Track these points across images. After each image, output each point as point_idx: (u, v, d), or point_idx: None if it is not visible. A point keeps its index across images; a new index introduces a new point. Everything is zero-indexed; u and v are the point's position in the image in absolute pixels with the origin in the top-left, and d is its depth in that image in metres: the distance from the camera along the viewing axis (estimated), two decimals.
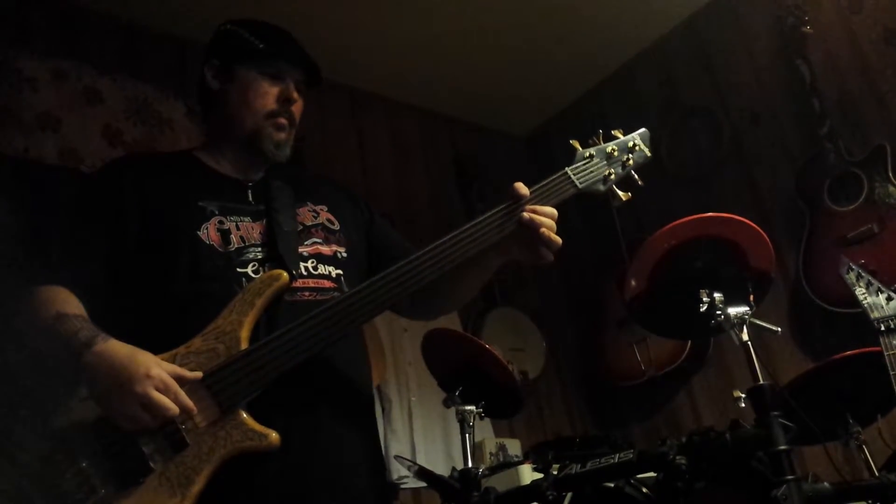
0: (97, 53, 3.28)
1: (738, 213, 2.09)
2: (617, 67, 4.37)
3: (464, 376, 2.47)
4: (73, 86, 3.14)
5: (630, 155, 1.73)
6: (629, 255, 3.78)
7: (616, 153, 1.72)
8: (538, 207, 1.60)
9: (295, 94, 1.76)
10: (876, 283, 2.15)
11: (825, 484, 1.79)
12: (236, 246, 1.62)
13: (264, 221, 1.68)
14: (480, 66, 4.17)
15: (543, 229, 1.58)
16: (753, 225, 2.06)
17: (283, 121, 1.74)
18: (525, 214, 1.58)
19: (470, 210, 4.13)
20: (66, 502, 1.38)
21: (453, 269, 1.69)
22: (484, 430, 3.64)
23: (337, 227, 1.79)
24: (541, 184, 1.64)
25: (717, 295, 1.95)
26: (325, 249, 1.72)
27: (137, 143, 3.20)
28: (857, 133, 3.38)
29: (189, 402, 1.40)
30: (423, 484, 2.67)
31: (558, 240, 1.59)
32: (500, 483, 2.50)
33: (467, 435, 2.43)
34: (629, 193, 1.71)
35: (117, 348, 1.43)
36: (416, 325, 3.31)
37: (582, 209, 4.07)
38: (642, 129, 1.79)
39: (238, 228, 1.65)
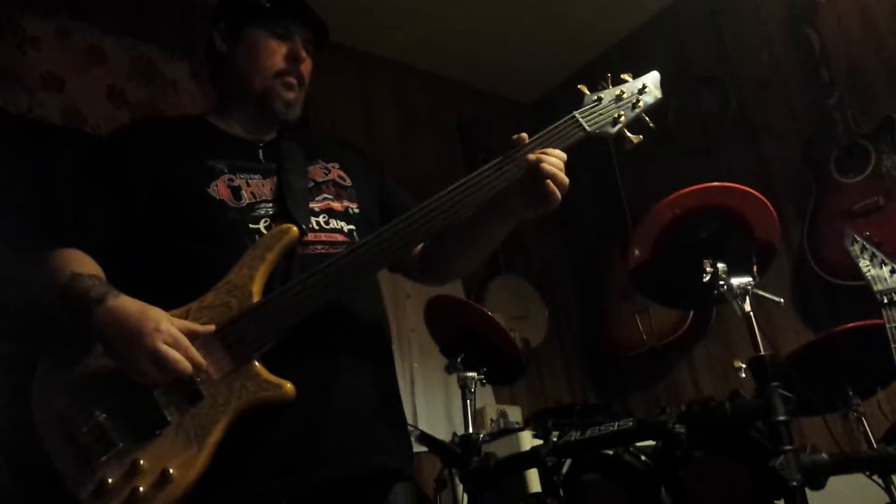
0: (101, 12, 3.24)
1: (744, 184, 2.08)
2: (626, 34, 4.33)
3: (466, 343, 2.47)
4: (77, 45, 3.11)
5: (640, 97, 1.69)
6: (633, 223, 3.77)
7: (626, 95, 1.68)
8: (546, 150, 1.57)
9: (303, 53, 1.75)
10: (880, 256, 2.14)
11: (823, 455, 1.80)
12: (247, 201, 1.63)
13: (275, 179, 1.69)
14: (488, 30, 4.12)
15: (546, 165, 1.54)
16: (759, 195, 2.05)
17: (292, 80, 1.74)
18: (530, 155, 1.56)
19: None
20: (83, 456, 1.41)
21: (462, 232, 1.71)
22: (485, 397, 3.66)
23: (349, 183, 1.79)
24: (547, 129, 1.62)
25: (720, 265, 1.95)
26: (337, 205, 1.72)
27: (141, 103, 3.18)
28: (865, 104, 3.35)
29: (198, 357, 1.41)
30: (424, 448, 2.69)
31: (565, 179, 1.56)
32: (500, 449, 2.52)
33: (468, 401, 2.44)
34: (640, 136, 1.67)
35: (128, 304, 1.44)
36: (420, 291, 3.31)
37: (587, 176, 4.05)
38: (653, 72, 1.74)
39: (248, 185, 1.65)
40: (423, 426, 3.24)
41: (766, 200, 2.05)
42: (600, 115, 1.66)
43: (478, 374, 2.47)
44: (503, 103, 4.74)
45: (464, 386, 2.45)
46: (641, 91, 1.70)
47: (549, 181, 1.54)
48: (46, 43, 3.03)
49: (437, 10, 3.95)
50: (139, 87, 3.22)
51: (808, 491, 1.73)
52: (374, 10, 3.84)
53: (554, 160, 1.56)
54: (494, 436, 2.78)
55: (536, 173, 1.54)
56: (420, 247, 1.80)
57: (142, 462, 1.39)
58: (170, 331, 1.40)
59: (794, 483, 1.70)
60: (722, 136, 3.87)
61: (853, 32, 3.47)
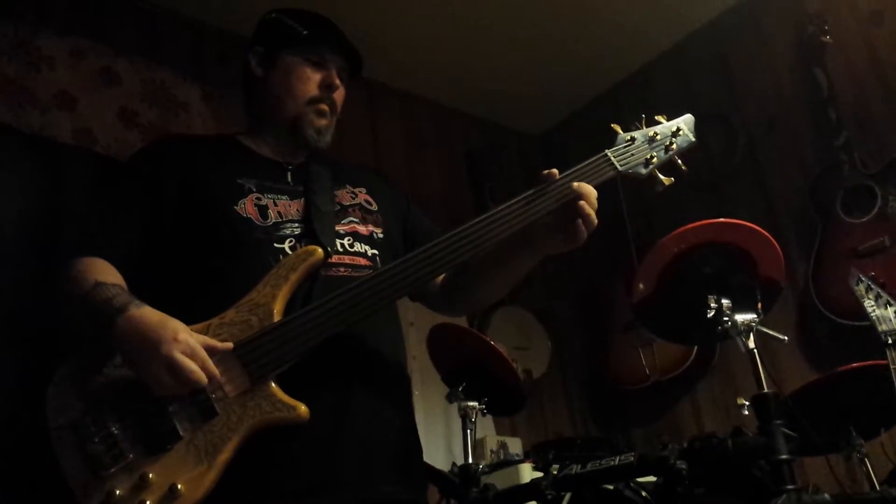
0: (115, 34, 3.28)
1: (749, 221, 2.09)
2: (634, 70, 4.35)
3: (468, 372, 2.47)
4: (90, 65, 3.14)
5: (674, 139, 1.70)
6: (639, 257, 3.77)
7: (659, 137, 1.69)
8: (582, 185, 1.58)
9: (337, 81, 1.79)
10: (885, 296, 2.14)
11: (825, 495, 1.78)
12: (274, 221, 1.64)
13: (302, 200, 1.70)
14: (497, 62, 4.15)
15: (586, 206, 1.55)
16: (764, 232, 2.06)
17: (324, 107, 1.77)
18: (574, 184, 1.57)
19: (482, 208, 4.11)
20: (93, 466, 1.41)
21: (487, 263, 1.72)
22: (485, 427, 3.64)
23: (375, 208, 1.81)
24: (578, 166, 1.63)
25: (724, 301, 1.95)
26: (362, 229, 1.74)
27: (152, 125, 3.20)
28: (872, 145, 3.36)
29: (214, 370, 1.42)
30: None
31: (595, 220, 1.57)
32: (499, 480, 2.51)
33: (469, 431, 2.43)
34: (672, 178, 1.68)
35: (149, 313, 1.45)
36: (422, 319, 3.30)
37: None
38: (687, 115, 1.75)
39: (276, 205, 1.67)
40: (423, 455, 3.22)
41: (771, 238, 2.05)
42: (632, 155, 1.68)
43: (479, 404, 2.46)
44: (510, 134, 4.76)
45: (464, 415, 2.45)
46: (675, 134, 1.71)
47: (580, 221, 1.56)
48: (60, 62, 3.06)
49: (446, 42, 3.98)
50: (151, 109, 3.24)
51: None
52: (384, 42, 3.87)
53: (593, 201, 1.58)
54: (494, 467, 2.77)
55: (572, 210, 1.55)
56: (443, 276, 1.80)
57: (151, 476, 1.39)
58: (188, 341, 1.41)
59: None
60: (728, 174, 3.88)
61: (861, 73, 3.49)
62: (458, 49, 4.04)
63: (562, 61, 4.18)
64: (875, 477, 2.25)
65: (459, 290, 1.83)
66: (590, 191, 1.59)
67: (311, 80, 1.76)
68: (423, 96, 4.39)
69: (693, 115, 1.77)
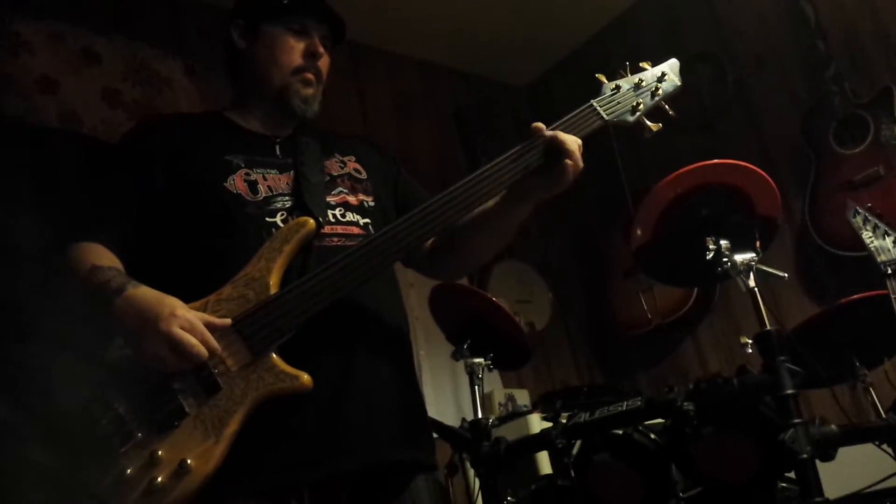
0: (93, 14, 3.24)
1: (743, 159, 2.08)
2: (619, 13, 4.29)
3: (471, 329, 2.48)
4: (70, 48, 3.11)
5: (659, 84, 1.70)
6: (634, 203, 3.77)
7: (644, 83, 1.69)
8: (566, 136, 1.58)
9: (321, 49, 1.77)
10: (882, 227, 2.14)
11: (832, 427, 1.80)
12: (264, 195, 1.64)
13: (291, 173, 1.70)
14: (479, 15, 4.10)
15: (569, 145, 1.55)
16: (759, 171, 2.05)
17: (309, 76, 1.77)
18: (548, 132, 1.57)
19: (474, 164, 4.10)
20: (102, 447, 1.43)
21: (478, 220, 1.71)
22: (492, 382, 3.67)
23: (364, 176, 1.81)
24: (565, 118, 1.62)
25: (723, 242, 1.95)
26: (352, 199, 1.74)
27: (137, 103, 3.18)
28: (863, 75, 3.34)
29: (215, 343, 1.43)
30: (435, 435, 2.70)
31: (580, 162, 1.58)
32: (509, 433, 2.53)
33: (476, 386, 2.45)
34: (660, 124, 1.68)
35: (146, 292, 1.47)
36: (423, 280, 3.31)
37: (585, 158, 4.04)
38: (672, 59, 1.75)
39: (265, 179, 1.67)
40: (432, 413, 3.22)
41: (766, 175, 2.05)
42: (618, 103, 1.67)
43: (484, 360, 2.47)
44: (498, 87, 4.72)
45: (471, 372, 2.46)
46: (660, 79, 1.71)
47: (567, 161, 1.55)
48: (39, 47, 3.03)
49: None
50: (134, 87, 3.21)
51: (818, 462, 1.74)
52: (365, 3, 3.82)
53: (571, 139, 1.58)
54: (503, 420, 2.79)
55: (558, 150, 1.55)
56: (432, 241, 1.80)
57: (160, 453, 1.41)
58: (186, 316, 1.42)
59: (805, 455, 1.71)
60: (720, 113, 3.86)
61: (849, 3, 3.45)
62: (439, 3, 3.99)
63: (546, 9, 4.13)
64: (880, 405, 2.27)
65: (451, 251, 1.82)
66: (573, 139, 1.58)
67: (295, 50, 1.74)
68: (408, 55, 4.34)
69: (681, 54, 1.75)
